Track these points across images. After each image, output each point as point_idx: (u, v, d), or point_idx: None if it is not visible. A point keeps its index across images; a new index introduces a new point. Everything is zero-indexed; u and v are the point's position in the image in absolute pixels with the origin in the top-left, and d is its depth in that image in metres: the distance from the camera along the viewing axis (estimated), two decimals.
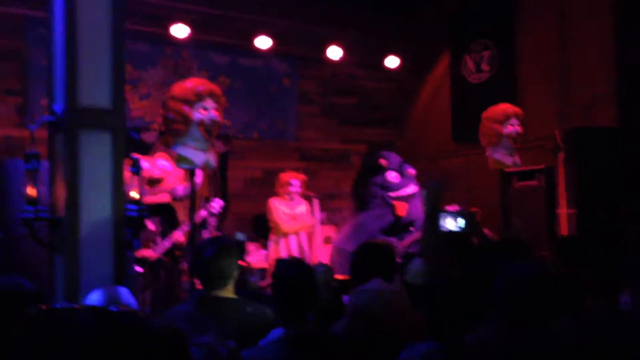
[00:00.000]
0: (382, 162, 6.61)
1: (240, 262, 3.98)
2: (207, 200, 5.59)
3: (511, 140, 5.57)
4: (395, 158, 6.76)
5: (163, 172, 5.34)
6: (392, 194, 6.52)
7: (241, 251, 5.43)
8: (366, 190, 6.61)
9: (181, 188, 5.24)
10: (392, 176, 6.57)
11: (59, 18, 3.43)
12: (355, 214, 6.67)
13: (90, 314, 1.22)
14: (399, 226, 6.52)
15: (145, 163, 5.36)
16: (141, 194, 3.61)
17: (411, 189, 6.61)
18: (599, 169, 5.93)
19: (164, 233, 5.12)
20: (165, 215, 5.24)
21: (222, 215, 5.55)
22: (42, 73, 5.70)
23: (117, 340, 1.18)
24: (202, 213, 5.24)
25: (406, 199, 6.55)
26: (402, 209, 6.51)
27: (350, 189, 6.89)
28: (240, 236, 5.55)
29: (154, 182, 5.24)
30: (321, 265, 3.73)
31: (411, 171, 6.75)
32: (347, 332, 1.94)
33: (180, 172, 5.13)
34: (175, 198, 5.28)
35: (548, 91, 7.24)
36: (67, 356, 1.18)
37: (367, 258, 2.94)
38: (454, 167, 8.25)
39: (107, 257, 3.28)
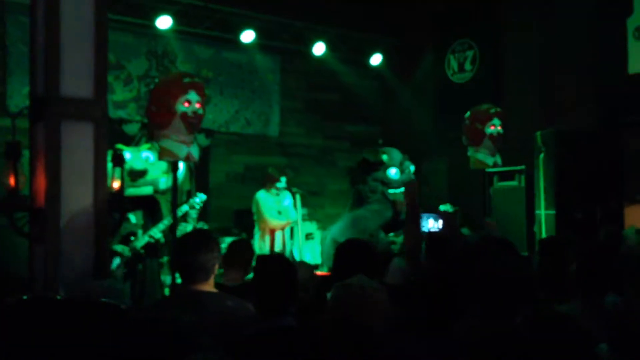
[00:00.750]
0: (384, 158, 6.61)
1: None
2: (189, 194, 5.55)
3: (493, 141, 5.62)
4: (396, 154, 6.74)
5: (146, 164, 5.29)
6: (391, 191, 6.52)
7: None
8: (366, 185, 6.60)
9: (164, 181, 5.21)
10: (392, 172, 6.58)
11: (42, 6, 3.39)
12: (353, 208, 6.65)
13: (70, 305, 1.22)
14: (398, 222, 6.49)
15: (127, 154, 5.32)
16: (122, 186, 3.59)
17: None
18: (578, 171, 6.01)
19: (146, 226, 5.08)
20: (148, 208, 5.19)
21: (202, 210, 5.50)
22: (22, 61, 5.64)
23: (97, 330, 1.18)
24: (184, 207, 5.21)
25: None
26: (401, 206, 6.53)
27: (350, 183, 6.84)
28: (198, 198, 5.43)
29: (136, 174, 5.19)
30: (302, 262, 3.74)
31: (411, 168, 6.77)
32: (327, 325, 1.96)
33: (163, 165, 5.09)
34: (157, 190, 5.24)
35: (530, 92, 7.31)
36: (46, 346, 1.18)
37: (351, 254, 2.96)
38: (436, 166, 8.30)
39: (87, 248, 3.26)
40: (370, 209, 6.52)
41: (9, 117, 3.27)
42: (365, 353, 1.88)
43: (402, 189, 6.56)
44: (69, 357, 1.15)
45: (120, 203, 3.49)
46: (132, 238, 4.92)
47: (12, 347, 1.18)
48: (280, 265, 2.46)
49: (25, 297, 1.30)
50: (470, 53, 7.95)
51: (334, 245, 6.30)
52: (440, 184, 8.19)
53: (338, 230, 6.39)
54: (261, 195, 6.16)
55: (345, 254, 3.03)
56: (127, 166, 5.22)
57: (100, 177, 3.38)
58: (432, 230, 5.57)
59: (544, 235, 5.97)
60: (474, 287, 2.13)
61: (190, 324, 1.89)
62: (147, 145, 5.24)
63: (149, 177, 5.25)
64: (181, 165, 5.55)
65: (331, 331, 1.91)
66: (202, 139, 7.03)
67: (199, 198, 5.29)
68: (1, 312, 1.26)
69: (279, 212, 6.17)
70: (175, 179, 4.28)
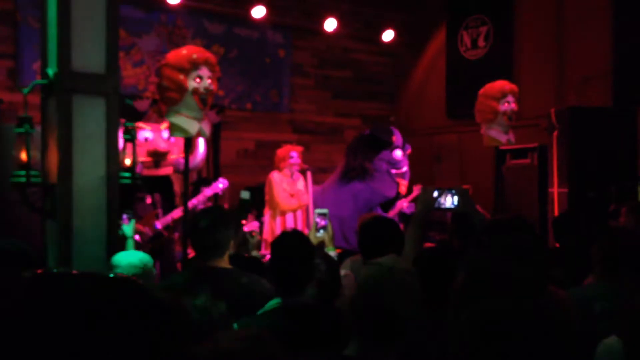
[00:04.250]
0: (394, 139, 6.67)
1: (242, 222, 3.94)
2: (200, 173, 5.51)
3: (506, 118, 5.55)
4: (399, 135, 6.80)
5: (169, 144, 5.25)
6: (395, 171, 6.63)
7: (245, 210, 5.35)
8: (372, 162, 6.61)
9: (191, 162, 5.16)
10: (398, 154, 6.65)
11: None
12: (348, 181, 6.63)
13: (87, 280, 1.20)
14: (391, 200, 6.63)
15: (149, 133, 5.29)
16: (134, 161, 3.57)
17: (406, 167, 6.78)
18: (592, 149, 5.94)
19: (164, 207, 5.06)
20: (165, 189, 5.17)
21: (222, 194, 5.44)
22: (34, 36, 5.61)
23: (114, 306, 1.17)
24: (207, 192, 5.16)
25: (404, 175, 6.72)
26: (403, 187, 6.67)
27: (348, 154, 6.81)
28: (244, 194, 5.47)
29: (159, 155, 5.14)
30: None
31: (409, 150, 6.84)
32: (351, 305, 1.93)
33: (182, 144, 5.07)
34: (178, 171, 5.20)
35: (544, 69, 7.22)
36: (63, 321, 1.16)
37: (381, 232, 2.94)
38: (448, 143, 8.24)
39: (99, 223, 3.26)
40: (369, 185, 6.54)
41: (21, 92, 3.25)
42: (390, 337, 1.86)
43: (404, 170, 6.64)
44: (84, 334, 1.14)
45: (134, 178, 3.48)
46: (152, 219, 4.91)
47: (28, 322, 1.16)
48: (296, 242, 2.44)
49: (40, 272, 1.28)
50: (483, 29, 7.84)
51: (338, 220, 6.28)
52: (452, 161, 8.15)
53: (337, 204, 6.31)
54: (275, 177, 6.11)
55: (375, 231, 3.00)
56: (150, 146, 5.21)
57: (112, 152, 3.36)
58: (449, 206, 5.56)
59: (556, 213, 5.92)
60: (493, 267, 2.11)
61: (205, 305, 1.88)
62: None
63: (171, 157, 5.23)
64: (203, 143, 5.53)
65: (356, 312, 1.89)
66: (213, 116, 6.99)
67: (223, 184, 5.25)
68: (19, 286, 1.24)
69: (292, 195, 6.13)
70: (187, 155, 4.26)
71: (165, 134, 5.19)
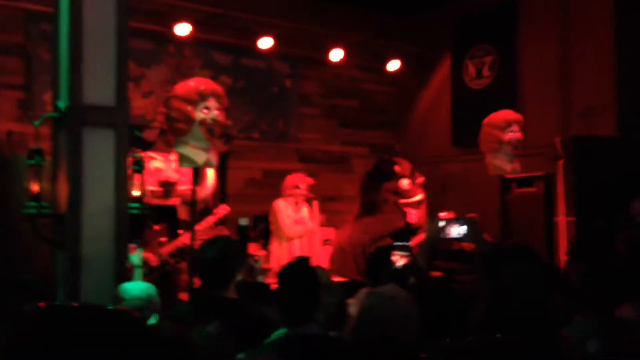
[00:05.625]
0: (397, 169, 6.68)
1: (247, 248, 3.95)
2: (207, 202, 5.55)
3: (511, 147, 5.59)
4: (407, 165, 6.82)
5: (180, 175, 5.30)
6: (403, 201, 6.62)
7: (244, 238, 5.39)
8: (378, 195, 6.65)
9: (201, 193, 5.20)
10: (404, 183, 6.66)
11: (64, 15, 3.44)
12: (361, 217, 6.68)
13: (88, 312, 1.23)
14: (407, 232, 6.53)
15: (160, 163, 5.34)
16: (143, 192, 3.62)
17: (419, 196, 6.74)
18: (598, 178, 5.94)
19: (169, 235, 5.10)
20: (169, 217, 5.21)
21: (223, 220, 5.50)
22: (45, 68, 5.71)
23: (115, 337, 1.19)
24: (210, 219, 5.20)
25: (416, 205, 6.68)
26: (413, 216, 6.64)
27: (359, 192, 6.88)
28: (242, 221, 5.52)
29: (170, 185, 5.19)
30: (320, 267, 3.73)
31: (420, 179, 6.83)
32: (353, 333, 1.95)
33: (190, 174, 5.11)
34: (186, 202, 5.24)
35: (548, 98, 7.26)
36: (65, 353, 1.19)
37: (384, 261, 2.96)
38: (453, 172, 8.27)
39: (108, 254, 3.29)
40: (380, 218, 6.55)
41: (32, 123, 3.32)
42: None
43: (415, 199, 6.66)
44: None
45: (143, 209, 3.52)
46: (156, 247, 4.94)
47: (29, 354, 1.19)
48: (303, 272, 2.46)
49: (42, 305, 1.31)
50: (488, 59, 7.92)
51: (341, 252, 6.33)
52: (457, 190, 8.16)
53: (345, 239, 6.40)
54: (279, 204, 6.16)
55: (379, 260, 3.03)
56: (161, 176, 5.26)
57: (121, 183, 3.41)
58: (457, 236, 5.55)
59: (563, 242, 5.91)
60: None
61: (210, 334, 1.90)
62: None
63: (181, 188, 5.27)
64: (212, 174, 5.59)
65: (359, 342, 1.90)
66: (221, 146, 7.05)
67: (223, 209, 5.31)
68: (20, 320, 1.27)
69: (297, 222, 6.17)
70: (194, 185, 4.31)
71: (175, 165, 5.25)
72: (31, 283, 2.28)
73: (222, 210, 5.30)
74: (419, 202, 6.74)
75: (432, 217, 6.06)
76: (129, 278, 3.38)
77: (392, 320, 1.90)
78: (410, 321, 1.95)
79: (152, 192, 5.12)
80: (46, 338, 1.20)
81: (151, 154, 5.30)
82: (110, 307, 1.61)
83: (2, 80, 6.21)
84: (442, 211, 6.22)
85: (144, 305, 2.77)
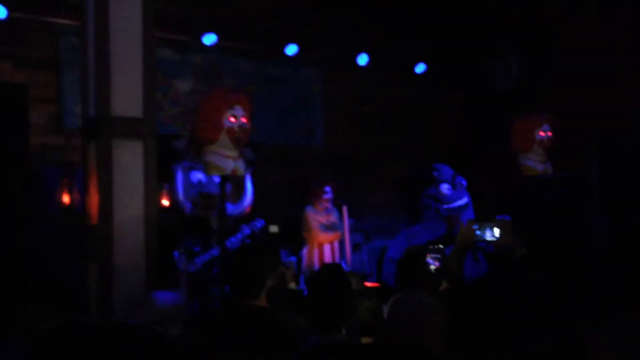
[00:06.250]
0: (435, 174, 6.62)
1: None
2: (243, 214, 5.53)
3: (542, 147, 5.51)
4: (447, 170, 6.74)
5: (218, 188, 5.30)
6: (445, 207, 6.53)
7: (275, 245, 5.37)
8: (419, 202, 6.60)
9: (231, 207, 5.20)
10: (444, 188, 6.57)
11: (92, 28, 3.48)
12: (408, 226, 6.67)
13: (104, 330, 1.23)
14: (451, 238, 6.44)
15: (202, 175, 5.35)
16: (171, 203, 3.64)
17: (464, 200, 6.62)
18: (633, 176, 5.83)
19: (202, 246, 5.11)
20: (203, 227, 5.21)
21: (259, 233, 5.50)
22: (75, 82, 5.79)
23: (130, 355, 1.18)
24: (246, 230, 5.21)
25: (459, 210, 6.54)
26: (455, 221, 6.52)
27: (402, 201, 6.87)
28: (273, 228, 5.53)
29: (212, 198, 5.19)
30: (352, 273, 3.71)
31: (463, 182, 6.74)
32: (382, 343, 1.93)
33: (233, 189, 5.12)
34: (226, 215, 5.23)
35: (579, 97, 7.14)
36: None
37: (413, 267, 2.94)
38: (481, 175, 8.17)
39: (139, 264, 3.31)
40: (424, 226, 6.50)
41: (63, 136, 3.38)
42: None
43: (459, 204, 6.55)
44: None
45: (173, 219, 3.54)
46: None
47: None
48: (332, 278, 2.43)
49: (62, 323, 1.32)
50: (515, 59, 7.82)
51: (391, 263, 6.30)
52: (486, 192, 8.06)
53: (394, 248, 6.39)
54: (309, 210, 6.17)
55: (407, 266, 3.00)
56: (203, 189, 5.27)
57: (150, 193, 3.44)
58: (490, 239, 5.44)
59: (599, 243, 5.81)
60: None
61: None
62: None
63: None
64: (250, 187, 5.61)
65: (386, 350, 1.88)
66: (249, 153, 7.08)
67: (260, 223, 5.32)
68: (39, 339, 1.28)
69: (327, 227, 6.17)
70: (223, 194, 4.32)
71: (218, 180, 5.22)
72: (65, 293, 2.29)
73: (259, 224, 5.30)
74: (464, 207, 6.60)
75: (465, 221, 5.98)
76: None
77: (417, 326, 1.87)
78: (436, 327, 1.91)
79: (194, 204, 5.13)
80: (64, 356, 1.19)
81: (191, 165, 5.31)
82: (130, 323, 1.60)
83: (35, 94, 6.31)
84: (476, 214, 6.14)
85: (170, 316, 2.76)
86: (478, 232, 3.44)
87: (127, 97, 3.38)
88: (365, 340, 2.34)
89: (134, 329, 1.25)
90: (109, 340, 1.16)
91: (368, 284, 4.61)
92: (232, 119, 4.26)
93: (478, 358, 2.09)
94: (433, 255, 4.53)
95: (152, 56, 3.51)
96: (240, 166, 4.46)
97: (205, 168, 4.48)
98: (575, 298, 2.40)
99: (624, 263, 3.68)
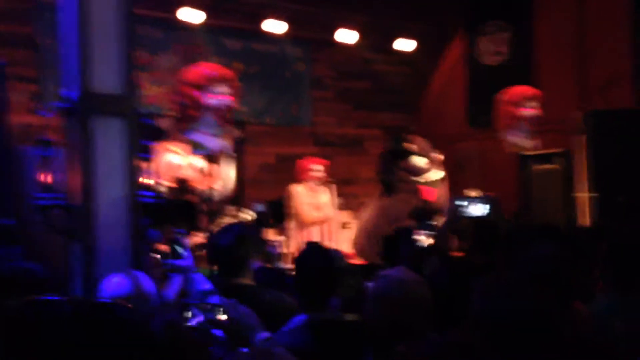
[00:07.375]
0: (408, 146, 6.52)
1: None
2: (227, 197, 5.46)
3: (528, 123, 5.48)
4: (421, 142, 6.65)
5: (200, 175, 5.18)
6: (420, 179, 6.44)
7: (260, 224, 5.33)
8: (393, 174, 6.52)
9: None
10: (418, 161, 6.48)
11: (70, 4, 3.39)
12: (381, 198, 6.57)
13: (69, 306, 1.18)
14: (428, 212, 6.38)
15: (178, 159, 5.23)
16: (156, 181, 3.58)
17: (438, 174, 6.53)
18: (618, 152, 5.83)
19: (188, 229, 5.03)
20: (187, 215, 5.13)
21: (236, 201, 5.44)
22: (55, 59, 5.67)
23: (95, 331, 1.15)
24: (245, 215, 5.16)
25: (433, 183, 6.48)
26: (429, 194, 6.44)
27: (377, 173, 6.77)
28: (258, 207, 5.47)
29: (185, 182, 5.10)
30: (336, 251, 3.68)
31: (439, 156, 6.66)
32: (366, 317, 1.91)
33: (213, 175, 5.01)
34: (204, 200, 5.16)
35: (565, 73, 7.12)
36: (45, 347, 1.15)
37: (402, 243, 2.92)
38: (470, 151, 8.16)
39: (123, 243, 3.26)
40: (397, 198, 6.44)
41: (42, 114, 3.31)
42: (402, 349, 1.82)
43: (434, 177, 6.51)
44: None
45: (156, 197, 3.49)
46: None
47: (13, 353, 1.15)
48: (318, 257, 2.41)
49: (28, 300, 1.27)
50: (503, 35, 7.77)
51: (361, 236, 6.25)
52: (474, 169, 8.06)
53: (365, 221, 6.30)
54: (295, 189, 6.10)
55: (391, 243, 2.98)
56: (179, 173, 5.16)
57: (133, 172, 3.38)
58: (479, 215, 5.43)
59: (584, 219, 5.82)
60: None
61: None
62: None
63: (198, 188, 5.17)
64: (233, 172, 5.53)
65: (370, 326, 1.86)
66: (236, 132, 7.00)
67: (259, 207, 5.27)
68: (2, 315, 1.24)
69: (316, 208, 6.10)
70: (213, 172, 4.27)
71: (199, 164, 5.11)
72: (42, 273, 2.24)
73: (259, 207, 5.25)
74: (439, 181, 6.53)
75: (452, 196, 5.95)
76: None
77: (400, 304, 1.85)
78: (420, 304, 1.89)
79: (169, 187, 5.05)
80: (27, 333, 1.15)
81: (170, 145, 5.22)
82: (98, 300, 1.55)
83: (14, 72, 6.17)
84: (462, 190, 6.11)
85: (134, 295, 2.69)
86: (467, 207, 3.42)
87: (106, 74, 3.30)
88: (349, 317, 2.32)
89: (103, 306, 1.21)
90: (74, 317, 1.12)
91: (354, 262, 4.59)
92: (214, 97, 4.20)
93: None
94: (426, 232, 4.50)
95: (132, 32, 3.42)
96: (226, 145, 4.41)
97: (191, 147, 4.43)
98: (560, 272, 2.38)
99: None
